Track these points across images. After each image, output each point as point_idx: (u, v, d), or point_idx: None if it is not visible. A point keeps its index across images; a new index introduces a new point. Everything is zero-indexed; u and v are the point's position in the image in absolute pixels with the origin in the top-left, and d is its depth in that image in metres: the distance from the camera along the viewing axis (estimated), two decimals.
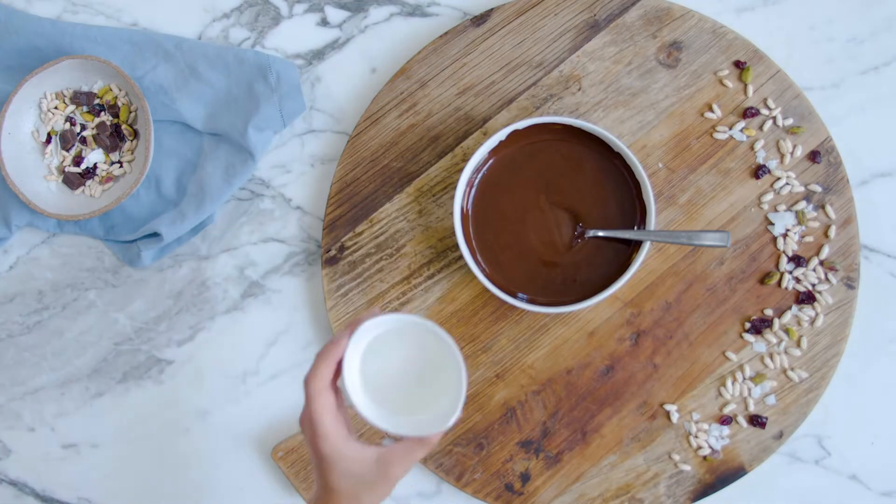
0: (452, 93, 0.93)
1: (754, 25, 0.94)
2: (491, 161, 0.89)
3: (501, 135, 0.87)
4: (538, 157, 0.89)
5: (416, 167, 0.93)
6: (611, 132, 0.90)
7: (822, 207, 0.91)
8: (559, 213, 0.89)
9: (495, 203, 0.89)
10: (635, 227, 0.88)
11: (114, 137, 0.94)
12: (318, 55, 0.96)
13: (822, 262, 0.90)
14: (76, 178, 0.94)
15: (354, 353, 0.70)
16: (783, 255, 0.90)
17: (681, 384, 0.90)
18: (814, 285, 0.90)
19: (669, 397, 0.90)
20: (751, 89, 0.92)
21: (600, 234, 0.88)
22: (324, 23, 0.97)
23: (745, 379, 0.90)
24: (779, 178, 0.91)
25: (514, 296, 0.88)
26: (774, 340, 0.90)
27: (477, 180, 0.89)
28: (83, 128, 0.95)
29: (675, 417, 0.90)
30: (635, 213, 0.88)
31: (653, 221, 0.86)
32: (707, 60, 0.92)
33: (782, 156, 0.91)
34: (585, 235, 0.88)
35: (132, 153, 0.95)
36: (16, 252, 0.96)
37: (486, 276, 0.88)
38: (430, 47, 0.93)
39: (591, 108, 0.92)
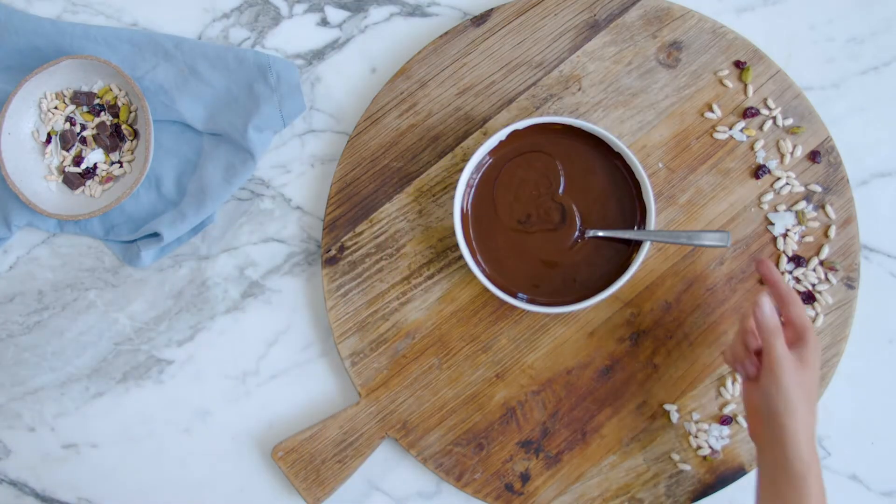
0: (452, 93, 0.93)
1: (754, 25, 0.94)
2: (491, 161, 0.89)
3: (501, 135, 0.87)
4: (538, 157, 0.89)
5: (416, 167, 0.93)
6: (611, 132, 0.90)
7: (822, 207, 0.91)
8: (559, 213, 0.89)
9: (495, 202, 0.89)
10: (635, 227, 0.88)
11: (114, 137, 0.94)
12: (318, 55, 0.96)
13: (822, 262, 0.90)
14: (76, 178, 0.94)
15: None
16: (783, 255, 0.90)
17: (681, 384, 0.90)
18: (814, 285, 0.90)
19: (669, 397, 0.90)
20: (751, 89, 0.92)
21: (600, 234, 0.88)
22: (324, 23, 0.97)
23: None
24: (779, 178, 0.91)
25: (514, 296, 0.88)
26: None
27: (477, 180, 0.89)
28: (83, 128, 0.95)
29: (675, 417, 0.90)
30: (635, 213, 0.88)
31: (653, 221, 0.86)
32: (707, 60, 0.92)
33: (782, 156, 0.91)
34: (586, 235, 0.88)
35: (132, 153, 0.95)
36: (16, 252, 0.96)
37: (486, 276, 0.88)
38: (430, 47, 0.93)
39: (591, 108, 0.92)
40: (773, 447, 0.76)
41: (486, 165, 0.89)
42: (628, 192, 0.88)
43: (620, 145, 0.86)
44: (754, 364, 0.80)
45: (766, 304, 0.78)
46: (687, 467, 0.89)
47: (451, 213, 0.91)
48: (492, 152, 0.89)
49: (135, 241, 0.94)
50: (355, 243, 0.92)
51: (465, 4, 0.96)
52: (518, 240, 0.89)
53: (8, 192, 0.94)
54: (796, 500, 0.75)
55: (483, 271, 0.88)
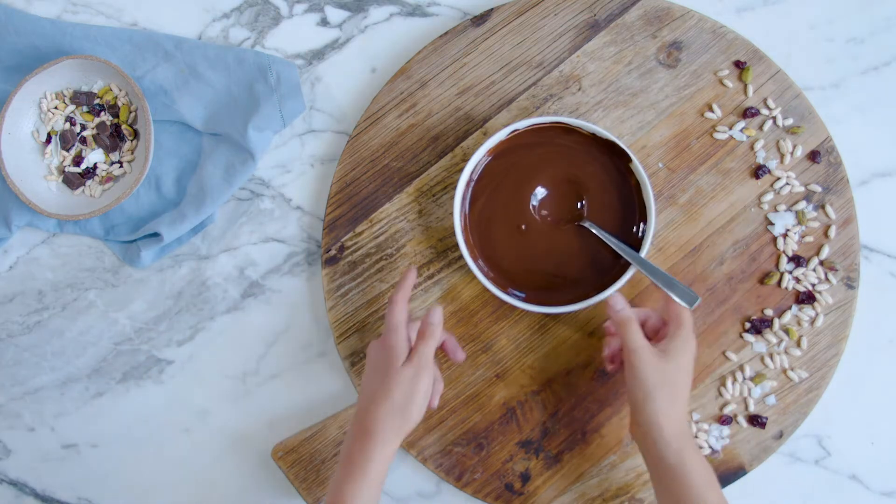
0: (452, 93, 0.93)
1: (754, 25, 0.94)
2: (491, 160, 0.89)
3: (501, 135, 0.87)
4: (538, 156, 0.89)
5: (416, 167, 0.93)
6: (611, 132, 0.90)
7: (822, 207, 0.91)
8: (559, 213, 0.89)
9: (495, 203, 0.89)
10: (635, 228, 0.88)
11: (114, 137, 0.94)
12: (318, 55, 0.96)
13: (822, 262, 0.90)
14: (76, 178, 0.94)
15: None
16: (783, 255, 0.90)
17: None
18: (814, 285, 0.90)
19: None
20: (751, 89, 0.92)
21: (593, 230, 0.87)
22: (324, 23, 0.97)
23: (745, 379, 0.90)
24: (779, 178, 0.91)
25: (513, 296, 0.88)
26: (774, 340, 0.90)
27: (477, 180, 0.89)
28: (83, 128, 0.95)
29: None
30: (635, 212, 0.88)
31: (653, 221, 0.86)
32: (707, 60, 0.92)
33: (782, 156, 0.91)
34: (581, 222, 0.88)
35: (132, 153, 0.95)
36: (16, 252, 0.96)
37: (486, 276, 0.88)
38: (430, 47, 0.93)
39: (591, 108, 0.92)
40: (644, 440, 0.78)
41: (486, 165, 0.89)
42: (628, 192, 0.88)
43: (621, 145, 0.86)
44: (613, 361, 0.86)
45: (618, 300, 0.82)
46: None
47: (451, 213, 0.91)
48: (491, 151, 0.89)
49: (135, 241, 0.94)
50: (355, 243, 0.92)
51: (465, 4, 0.96)
52: (518, 239, 0.89)
53: (8, 192, 0.94)
54: (678, 489, 0.77)
55: (483, 271, 0.88)
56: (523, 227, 0.89)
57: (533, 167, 0.89)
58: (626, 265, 0.87)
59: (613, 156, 0.88)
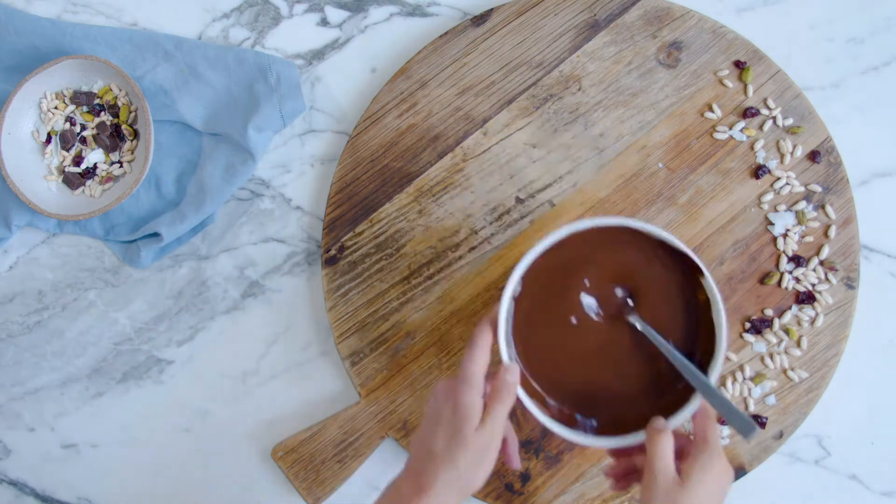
0: (452, 93, 0.93)
1: (754, 25, 0.94)
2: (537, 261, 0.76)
3: (558, 235, 0.74)
4: (594, 259, 0.77)
5: (416, 167, 0.93)
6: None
7: (822, 207, 0.91)
8: (615, 324, 0.77)
9: (539, 305, 0.77)
10: (693, 341, 0.77)
11: (114, 137, 0.94)
12: (318, 55, 0.96)
13: (822, 262, 0.90)
14: (76, 178, 0.94)
15: None
16: (783, 255, 0.90)
17: None
18: (814, 285, 0.90)
19: None
20: (751, 89, 0.92)
21: (644, 330, 0.75)
22: (324, 23, 0.97)
23: (745, 379, 0.90)
24: (779, 178, 0.91)
25: (574, 425, 0.76)
26: (774, 340, 0.90)
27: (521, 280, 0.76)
28: (83, 128, 0.95)
29: None
30: (698, 330, 0.77)
31: (723, 344, 0.74)
32: (707, 60, 0.92)
33: (782, 156, 0.91)
34: (628, 315, 0.77)
35: (132, 153, 0.95)
36: (16, 252, 0.96)
37: (542, 404, 0.77)
38: (430, 47, 0.93)
39: (591, 108, 0.92)
40: None
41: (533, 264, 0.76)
42: (695, 307, 0.77)
43: (693, 257, 0.75)
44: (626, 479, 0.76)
45: (660, 419, 0.73)
46: None
47: (452, 214, 0.91)
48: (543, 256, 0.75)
49: (135, 241, 0.94)
50: (355, 243, 0.92)
51: (465, 4, 0.96)
52: (563, 344, 0.77)
53: (8, 192, 0.94)
54: None
55: (534, 394, 0.77)
56: (573, 321, 0.77)
57: (585, 270, 0.76)
58: (685, 390, 0.75)
59: (678, 259, 0.77)
